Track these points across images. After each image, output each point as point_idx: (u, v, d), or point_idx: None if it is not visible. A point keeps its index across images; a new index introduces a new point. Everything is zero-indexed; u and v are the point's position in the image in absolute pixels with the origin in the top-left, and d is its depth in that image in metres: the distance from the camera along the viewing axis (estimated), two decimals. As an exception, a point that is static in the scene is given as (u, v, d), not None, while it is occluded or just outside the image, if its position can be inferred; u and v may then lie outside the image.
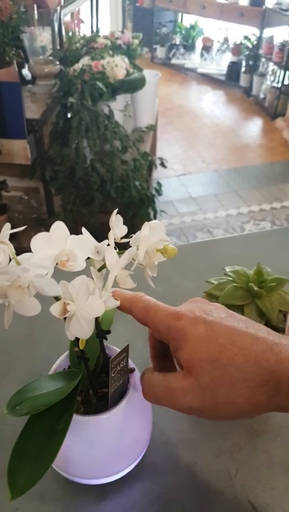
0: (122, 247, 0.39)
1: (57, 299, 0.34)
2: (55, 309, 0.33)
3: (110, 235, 0.38)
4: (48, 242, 0.32)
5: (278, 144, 3.58)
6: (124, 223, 0.40)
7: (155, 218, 2.09)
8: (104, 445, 0.45)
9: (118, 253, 0.38)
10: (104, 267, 0.38)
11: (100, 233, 0.40)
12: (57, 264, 0.33)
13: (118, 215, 0.39)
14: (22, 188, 2.03)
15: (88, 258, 0.38)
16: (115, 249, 0.38)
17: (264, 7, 4.08)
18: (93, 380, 0.46)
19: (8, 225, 0.31)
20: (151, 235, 0.39)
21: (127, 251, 0.37)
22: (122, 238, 0.40)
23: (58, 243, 0.32)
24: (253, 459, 0.54)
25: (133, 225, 0.38)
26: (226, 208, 2.79)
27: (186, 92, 4.64)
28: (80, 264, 0.34)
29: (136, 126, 2.47)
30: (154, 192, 2.24)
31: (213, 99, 4.48)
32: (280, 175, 3.17)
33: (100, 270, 0.38)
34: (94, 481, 0.48)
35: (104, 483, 0.50)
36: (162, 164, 2.39)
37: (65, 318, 0.34)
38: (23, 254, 0.32)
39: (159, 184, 2.36)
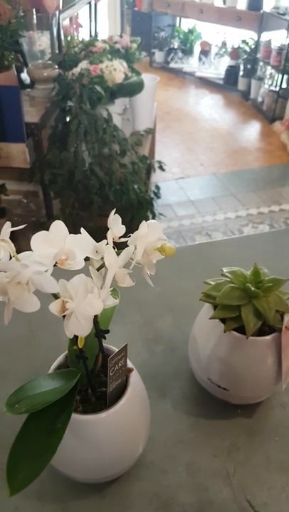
0: (120, 247, 0.40)
1: (56, 297, 0.35)
2: (54, 307, 0.33)
3: (109, 234, 0.39)
4: (48, 241, 0.33)
5: (276, 147, 3.59)
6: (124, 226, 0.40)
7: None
8: (103, 444, 0.45)
9: (116, 252, 0.38)
10: (103, 266, 0.38)
11: (99, 236, 0.40)
12: (56, 263, 0.34)
13: (116, 214, 0.40)
14: (21, 192, 2.03)
15: (87, 259, 0.38)
16: (114, 248, 0.38)
17: (262, 11, 4.10)
18: (92, 380, 0.46)
19: (8, 223, 0.31)
20: (149, 234, 0.39)
21: (125, 250, 0.38)
22: (120, 238, 0.40)
23: (57, 242, 0.33)
24: (251, 459, 0.55)
25: (132, 228, 0.38)
26: (224, 211, 2.79)
27: (184, 96, 4.66)
28: (79, 263, 0.34)
29: (134, 130, 2.48)
30: (152, 195, 2.24)
31: (212, 102, 4.50)
32: (278, 178, 3.18)
33: (98, 269, 0.39)
34: (93, 479, 0.49)
35: (103, 482, 0.51)
36: (161, 167, 2.40)
37: (63, 316, 0.35)
38: (23, 253, 0.32)
39: (157, 187, 2.37)
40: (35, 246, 0.32)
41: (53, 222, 0.32)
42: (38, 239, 0.32)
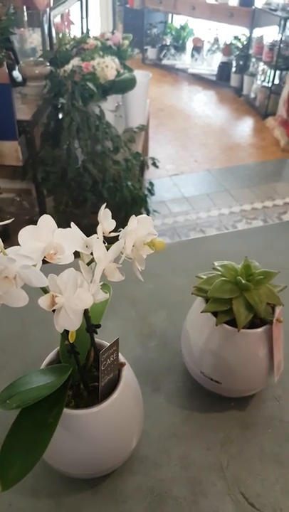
0: (111, 241, 0.40)
1: (45, 291, 0.35)
2: (43, 302, 0.33)
3: (99, 228, 0.39)
4: (36, 236, 0.33)
5: (269, 143, 3.59)
6: (117, 223, 0.40)
7: (148, 218, 2.08)
8: (96, 438, 0.45)
9: (107, 247, 0.38)
10: (93, 260, 0.38)
11: (93, 234, 0.40)
12: (45, 257, 0.34)
13: (106, 209, 0.40)
14: (14, 190, 2.03)
15: (78, 257, 0.38)
16: (104, 243, 0.38)
17: (253, 7, 4.10)
18: (84, 375, 0.46)
19: (-5, 218, 0.31)
20: (139, 228, 0.39)
21: (114, 244, 0.38)
22: (110, 232, 0.40)
23: (45, 236, 0.33)
24: (245, 451, 0.55)
25: (125, 225, 0.38)
26: (218, 207, 2.79)
27: (177, 93, 4.65)
28: (68, 257, 0.34)
29: (127, 127, 2.47)
30: (146, 192, 2.24)
31: (204, 99, 4.49)
32: (272, 174, 3.19)
33: (89, 264, 0.39)
34: (86, 474, 0.49)
35: (97, 477, 0.51)
36: (154, 164, 2.40)
37: (53, 310, 0.35)
38: (11, 247, 0.32)
39: (151, 184, 2.36)
40: (23, 241, 0.32)
41: (41, 217, 0.32)
42: (25, 233, 0.32)
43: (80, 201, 1.91)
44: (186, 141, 3.62)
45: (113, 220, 0.40)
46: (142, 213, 2.04)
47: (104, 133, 1.88)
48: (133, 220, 0.39)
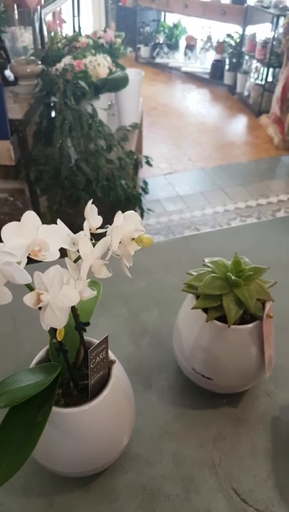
0: (99, 238, 0.39)
1: (31, 289, 0.34)
2: (28, 299, 0.33)
3: (85, 225, 0.38)
4: (20, 232, 0.32)
5: (263, 140, 3.60)
6: (111, 222, 0.40)
7: (142, 217, 2.08)
8: (86, 437, 0.45)
9: (94, 243, 0.38)
10: (80, 257, 0.38)
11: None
12: (30, 254, 0.33)
13: (93, 205, 0.39)
14: (7, 190, 2.02)
15: (66, 255, 0.38)
16: (91, 240, 0.38)
17: (246, 5, 4.10)
18: (74, 373, 0.46)
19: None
20: (126, 224, 0.39)
21: (101, 240, 0.37)
22: (98, 229, 0.40)
23: (29, 233, 0.32)
24: (237, 447, 0.55)
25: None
26: (212, 205, 2.80)
27: (170, 91, 4.65)
28: (53, 254, 0.34)
29: (120, 125, 2.47)
30: (140, 191, 2.24)
31: (198, 97, 4.49)
32: (266, 171, 3.19)
33: (76, 261, 0.38)
34: (78, 473, 0.48)
35: (88, 476, 0.50)
36: (148, 162, 2.39)
37: (40, 308, 0.34)
38: (-5, 245, 0.32)
39: (145, 183, 2.36)
40: (6, 237, 0.31)
41: (25, 213, 0.32)
42: (8, 230, 0.31)
43: (74, 200, 1.91)
44: (180, 139, 3.62)
45: (100, 217, 0.40)
46: (136, 212, 2.03)
47: (97, 131, 1.87)
48: (119, 216, 0.38)
